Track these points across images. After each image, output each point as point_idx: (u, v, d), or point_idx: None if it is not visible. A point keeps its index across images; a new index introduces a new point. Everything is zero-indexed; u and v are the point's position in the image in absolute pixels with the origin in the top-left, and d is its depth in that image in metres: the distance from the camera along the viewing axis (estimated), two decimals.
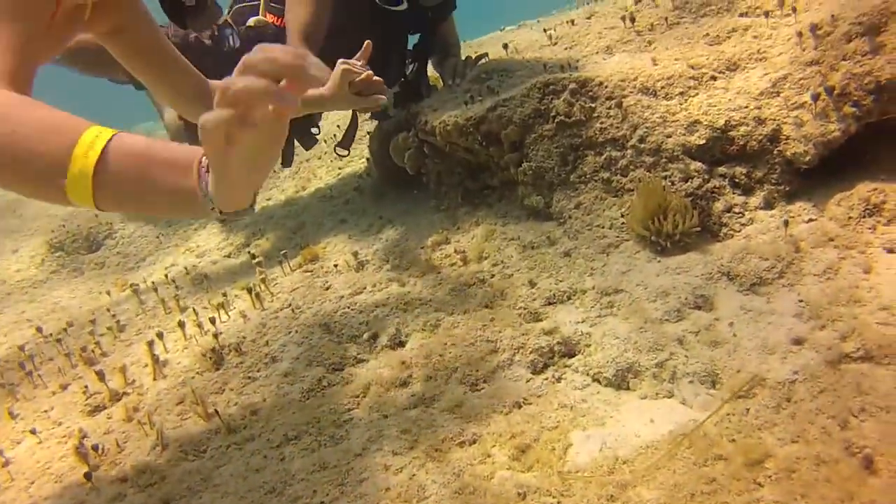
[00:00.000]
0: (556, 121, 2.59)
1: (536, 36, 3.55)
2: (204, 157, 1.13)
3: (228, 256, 3.74)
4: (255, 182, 1.18)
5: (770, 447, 1.40)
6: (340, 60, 2.37)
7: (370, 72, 2.38)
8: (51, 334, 3.30)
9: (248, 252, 3.50)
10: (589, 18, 3.46)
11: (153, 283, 3.50)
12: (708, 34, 2.81)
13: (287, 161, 3.88)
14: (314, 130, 3.77)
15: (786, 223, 2.14)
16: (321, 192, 4.08)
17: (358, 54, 2.40)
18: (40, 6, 1.49)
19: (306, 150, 4.00)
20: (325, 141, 4.71)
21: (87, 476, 1.96)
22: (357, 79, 2.36)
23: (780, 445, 1.40)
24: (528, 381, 1.87)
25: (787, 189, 2.30)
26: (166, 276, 3.61)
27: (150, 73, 2.09)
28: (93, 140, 1.11)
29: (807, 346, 1.68)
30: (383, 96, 2.45)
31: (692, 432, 1.50)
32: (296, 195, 4.29)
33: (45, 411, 2.54)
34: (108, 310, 3.31)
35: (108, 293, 3.67)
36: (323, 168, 4.52)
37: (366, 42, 2.40)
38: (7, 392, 2.76)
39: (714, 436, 1.48)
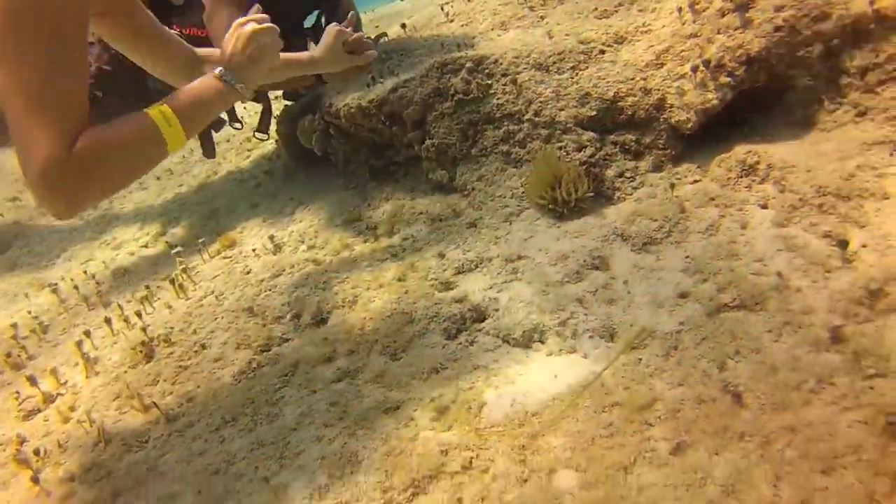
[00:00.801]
0: (454, 98, 2.70)
1: (434, 12, 3.62)
2: (218, 69, 1.84)
3: (146, 247, 3.71)
4: (263, 70, 1.97)
5: (659, 392, 1.57)
6: (332, 24, 2.61)
7: (360, 33, 2.67)
8: None
9: (166, 242, 3.49)
10: None
11: (72, 280, 3.45)
12: (597, 8, 2.97)
13: (210, 152, 3.85)
14: (237, 125, 3.77)
15: (672, 185, 2.33)
16: (233, 176, 4.08)
17: (345, 22, 2.68)
18: None
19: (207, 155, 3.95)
20: (236, 127, 4.69)
21: (34, 480, 1.99)
22: (350, 38, 2.59)
23: (668, 389, 1.58)
24: (443, 346, 2.00)
25: (673, 153, 2.48)
26: (85, 272, 3.56)
27: (142, 52, 2.15)
28: (159, 111, 1.65)
29: (691, 298, 1.86)
30: (374, 52, 2.66)
31: (591, 383, 1.65)
32: (207, 180, 4.27)
33: None
34: (29, 312, 3.26)
35: (27, 295, 3.59)
36: (232, 151, 4.51)
37: (350, 13, 2.78)
38: None
39: (611, 385, 1.64)
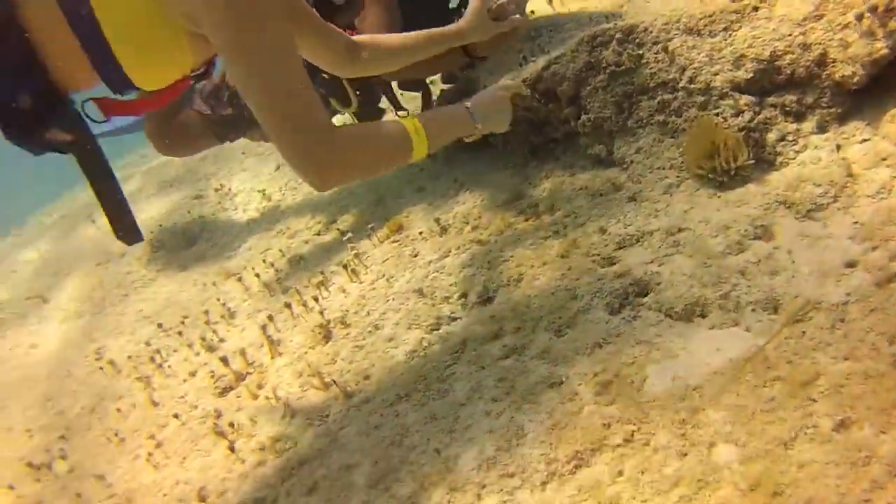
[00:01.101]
0: (607, 71, 2.72)
1: None
2: (469, 104, 2.24)
3: (318, 234, 4.00)
4: (499, 123, 2.43)
5: (823, 366, 1.58)
6: None
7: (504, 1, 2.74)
8: (171, 328, 3.67)
9: (337, 229, 3.77)
10: None
11: (254, 269, 3.82)
12: None
13: None
14: (402, 113, 3.95)
15: (838, 147, 2.25)
16: None
17: None
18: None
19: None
20: (390, 111, 4.90)
21: (231, 448, 2.31)
22: (494, 5, 2.68)
23: (832, 364, 1.58)
24: (606, 322, 2.08)
25: (840, 111, 2.38)
26: (264, 260, 3.93)
27: (310, 43, 2.35)
28: (412, 124, 1.99)
29: (859, 267, 1.82)
30: (520, 17, 2.76)
31: (753, 357, 1.69)
32: None
33: (182, 397, 2.92)
34: (218, 299, 3.66)
35: (214, 283, 4.02)
36: None
37: None
38: (145, 384, 3.15)
39: (773, 359, 1.66)
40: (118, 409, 3.09)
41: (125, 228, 1.94)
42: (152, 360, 3.33)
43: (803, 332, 1.70)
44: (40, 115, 1.65)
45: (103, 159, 1.83)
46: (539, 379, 1.94)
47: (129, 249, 5.15)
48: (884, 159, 2.13)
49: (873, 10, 2.27)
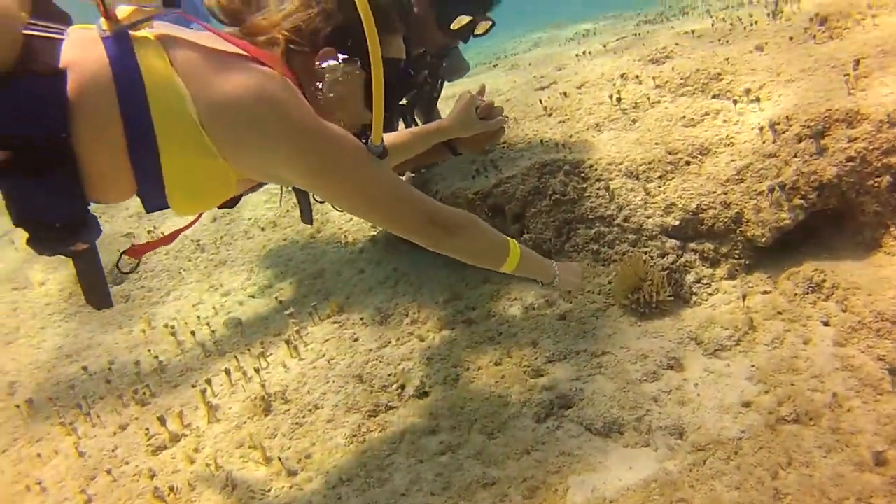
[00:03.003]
0: (552, 198, 3.05)
1: (532, 101, 3.95)
2: (557, 267, 2.45)
3: (253, 297, 4.13)
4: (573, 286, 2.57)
5: (718, 493, 1.86)
6: (465, 91, 2.91)
7: (491, 100, 2.93)
8: (95, 373, 3.67)
9: (276, 298, 3.91)
10: (579, 89, 3.91)
11: (186, 322, 3.89)
12: (684, 116, 3.27)
13: (308, 218, 4.19)
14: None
15: (743, 297, 2.60)
16: (336, 238, 4.48)
17: (478, 91, 2.99)
18: None
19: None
20: None
21: None
22: (482, 105, 2.87)
23: (726, 492, 1.86)
24: (533, 430, 2.32)
25: (748, 262, 2.76)
26: (198, 317, 4.01)
27: None
28: (517, 246, 2.24)
29: (753, 408, 2.14)
30: (504, 118, 2.96)
31: (661, 479, 1.95)
32: (311, 239, 4.69)
33: (111, 450, 2.93)
34: (149, 350, 3.71)
35: (143, 332, 4.06)
36: (335, 211, 4.92)
37: (482, 85, 3.06)
38: (68, 430, 3.15)
39: (678, 482, 1.93)
40: (38, 454, 3.07)
41: (97, 294, 2.04)
42: (78, 406, 3.33)
43: (704, 461, 1.98)
44: (71, 233, 1.71)
45: (97, 256, 1.95)
46: (474, 478, 2.15)
47: (48, 278, 5.09)
48: (779, 313, 2.49)
49: (782, 186, 2.67)
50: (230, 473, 2.49)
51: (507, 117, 3.12)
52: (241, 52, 1.77)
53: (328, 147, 1.82)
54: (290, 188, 3.78)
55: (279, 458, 2.47)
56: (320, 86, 1.95)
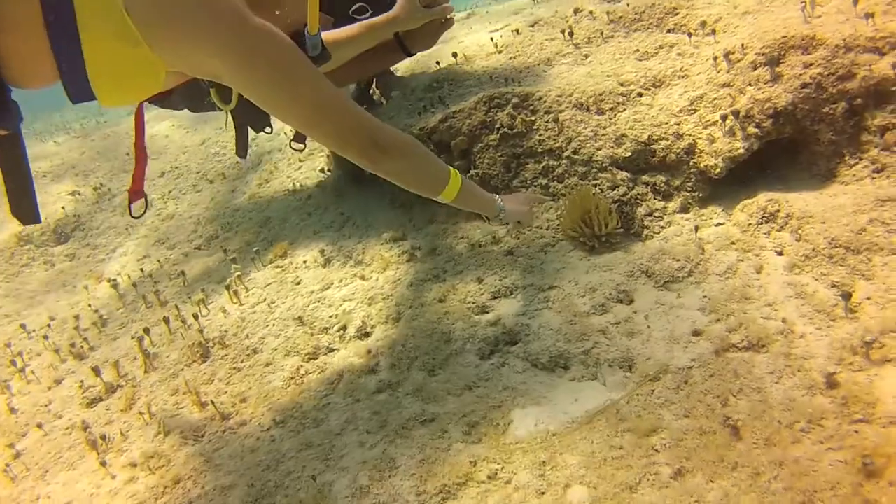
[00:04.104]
0: (500, 132, 2.91)
1: (484, 41, 3.82)
2: (500, 201, 2.36)
3: (199, 248, 3.97)
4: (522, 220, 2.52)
5: (667, 421, 1.77)
6: None
7: None
8: (34, 330, 3.52)
9: (221, 247, 3.75)
10: (532, 27, 3.77)
11: (129, 276, 3.74)
12: (638, 49, 3.15)
13: (242, 152, 4.01)
14: (267, 130, 3.93)
15: (696, 228, 2.51)
16: (284, 186, 4.33)
17: None
18: None
19: (256, 131, 4.08)
20: (285, 133, 4.94)
21: (102, 462, 2.25)
22: None
23: (674, 420, 1.77)
24: (476, 366, 2.21)
25: (701, 195, 2.66)
26: (142, 270, 3.85)
27: None
28: (456, 175, 2.12)
29: (703, 337, 2.05)
30: (450, 5, 2.85)
31: (607, 409, 1.85)
32: (259, 189, 4.52)
33: (45, 405, 2.80)
34: (90, 305, 3.55)
35: (86, 287, 3.89)
36: (284, 161, 4.75)
37: None
38: (2, 388, 3.01)
39: (625, 413, 1.84)
40: None
41: (24, 208, 1.86)
42: (12, 363, 3.18)
43: (652, 391, 1.89)
44: None
45: (23, 149, 1.80)
46: (412, 415, 2.04)
47: None
48: (732, 243, 2.40)
49: (736, 114, 2.57)
50: (163, 420, 2.36)
51: (451, 6, 3.01)
52: None
53: (257, 41, 1.71)
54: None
55: (212, 402, 2.33)
56: None
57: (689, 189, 2.67)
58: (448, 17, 2.98)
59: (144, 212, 2.22)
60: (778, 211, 2.42)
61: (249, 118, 3.62)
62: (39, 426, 2.61)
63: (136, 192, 2.21)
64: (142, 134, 2.22)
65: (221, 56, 1.70)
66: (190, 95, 3.68)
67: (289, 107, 1.85)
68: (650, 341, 2.10)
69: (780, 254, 2.31)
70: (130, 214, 2.16)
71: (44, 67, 1.58)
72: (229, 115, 3.52)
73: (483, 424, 1.94)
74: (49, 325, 3.51)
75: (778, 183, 2.60)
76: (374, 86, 3.84)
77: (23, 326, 3.55)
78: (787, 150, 2.64)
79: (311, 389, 2.30)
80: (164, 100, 2.14)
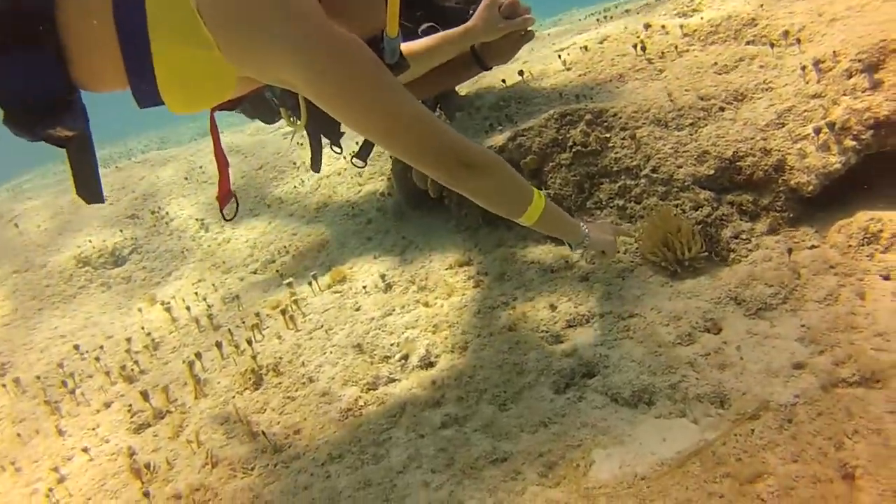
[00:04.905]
0: (572, 150, 2.76)
1: (551, 59, 3.69)
2: (585, 227, 2.23)
3: (255, 273, 3.91)
4: (604, 248, 2.31)
5: (772, 466, 1.57)
6: None
7: None
8: (87, 351, 3.48)
9: (276, 271, 3.67)
10: (601, 44, 3.62)
11: (183, 299, 3.68)
12: (716, 63, 2.96)
13: (317, 166, 3.92)
14: (336, 150, 3.85)
15: (789, 251, 2.30)
16: (343, 210, 4.25)
17: None
18: None
19: (332, 143, 3.93)
20: (344, 157, 4.87)
21: (146, 493, 2.14)
22: (506, 2, 2.68)
23: (781, 464, 1.57)
24: (551, 400, 2.04)
25: (791, 215, 2.45)
26: (196, 293, 3.79)
27: None
28: (539, 196, 2.02)
29: (807, 370, 1.84)
30: (532, 17, 2.74)
31: (701, 451, 1.66)
32: (317, 213, 4.46)
33: (92, 429, 2.73)
34: (143, 328, 3.50)
35: (140, 310, 3.86)
36: (343, 185, 4.68)
37: None
38: (51, 409, 2.96)
39: (722, 454, 1.64)
40: (18, 435, 2.88)
41: (89, 189, 1.83)
42: (64, 384, 3.13)
43: (752, 431, 1.69)
44: (51, 112, 1.55)
45: (91, 145, 1.75)
46: (481, 453, 1.87)
47: (50, 261, 4.94)
48: (831, 267, 2.19)
49: (831, 126, 2.36)
50: (211, 450, 2.24)
51: (532, 17, 2.85)
52: None
53: (335, 48, 1.64)
54: (303, 134, 3.55)
55: (263, 433, 2.21)
56: None
57: (778, 209, 2.47)
58: (528, 29, 2.85)
59: (236, 213, 2.18)
60: (881, 231, 2.20)
61: (323, 128, 3.55)
62: (85, 450, 2.53)
63: (225, 195, 2.17)
64: (218, 141, 2.15)
65: (296, 63, 1.63)
66: (261, 106, 3.65)
67: (366, 118, 1.76)
68: (744, 374, 1.90)
69: (887, 278, 2.08)
70: (223, 217, 2.13)
71: (113, 71, 1.56)
72: (303, 130, 3.46)
73: (561, 465, 1.76)
74: (101, 347, 3.47)
75: (878, 201, 2.37)
76: (437, 107, 3.73)
77: (76, 347, 3.52)
78: (890, 164, 2.41)
79: (371, 422, 2.15)
80: (233, 108, 2.07)
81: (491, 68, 3.07)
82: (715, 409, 1.83)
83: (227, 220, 2.22)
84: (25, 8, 1.44)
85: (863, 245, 2.22)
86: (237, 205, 2.21)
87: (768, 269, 2.27)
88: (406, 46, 2.58)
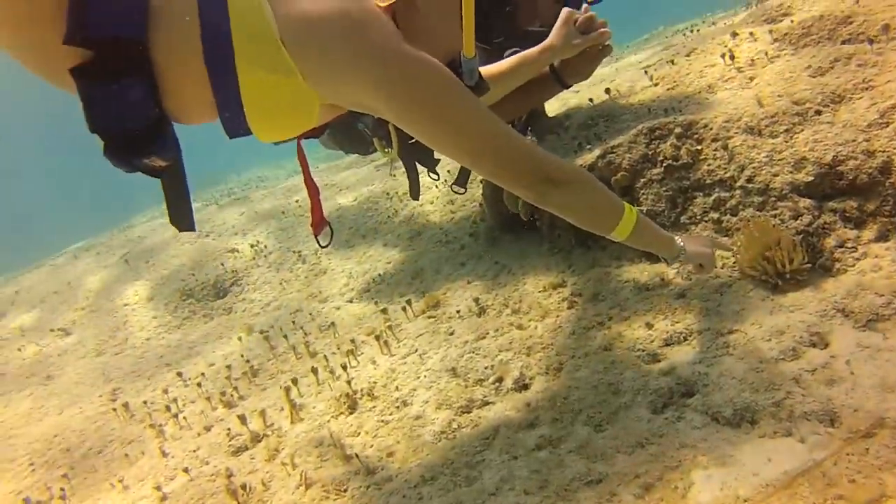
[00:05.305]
0: (664, 165, 2.70)
1: (637, 76, 3.65)
2: (681, 241, 2.19)
3: (351, 301, 3.98)
4: (703, 260, 2.24)
5: (892, 488, 1.47)
6: (564, 9, 2.72)
7: (592, 13, 2.73)
8: (190, 378, 3.64)
9: (373, 300, 3.74)
10: (688, 56, 3.54)
11: (281, 328, 3.80)
12: (810, 66, 2.85)
13: (415, 194, 3.95)
14: (433, 176, 3.86)
15: None
16: (436, 237, 4.28)
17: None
18: None
19: (429, 170, 3.94)
20: (437, 186, 4.93)
21: None
22: (581, 17, 2.70)
23: None
24: (649, 421, 1.97)
25: None
26: (293, 322, 3.90)
27: None
28: (631, 210, 1.99)
29: None
30: (608, 30, 2.75)
31: (810, 472, 1.57)
32: (411, 241, 4.51)
33: (193, 451, 2.84)
34: (242, 355, 3.63)
35: (240, 339, 4.00)
36: (436, 213, 4.73)
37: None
38: (157, 432, 3.10)
39: (833, 475, 1.55)
40: (126, 455, 3.03)
41: (182, 218, 1.92)
42: (168, 408, 3.28)
43: (866, 450, 1.59)
44: (146, 143, 1.64)
45: (183, 173, 1.84)
46: (576, 475, 1.83)
47: (158, 293, 5.20)
48: None
49: None
50: (306, 472, 2.29)
51: (609, 31, 2.82)
52: None
53: (416, 72, 1.68)
54: (397, 164, 3.63)
55: (356, 456, 2.24)
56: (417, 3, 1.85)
57: (886, 213, 2.33)
58: (606, 43, 2.82)
59: (331, 239, 2.27)
60: None
61: (417, 155, 3.60)
62: (186, 471, 2.63)
63: (318, 222, 2.24)
64: (307, 168, 2.22)
65: (378, 88, 1.68)
66: (355, 138, 3.75)
67: (451, 139, 1.79)
68: (856, 390, 1.79)
69: None
70: (319, 244, 2.23)
71: (203, 102, 1.64)
72: (397, 158, 3.54)
73: (658, 487, 1.70)
74: (203, 374, 3.61)
75: None
76: (528, 129, 3.72)
77: (180, 374, 3.68)
78: None
79: (464, 445, 2.15)
80: (320, 136, 2.15)
81: (571, 86, 3.05)
82: (824, 428, 1.73)
83: (323, 247, 2.29)
84: (121, 42, 1.52)
85: None
86: (332, 232, 2.27)
87: (878, 277, 2.15)
88: (486, 69, 2.60)
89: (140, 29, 1.52)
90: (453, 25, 1.91)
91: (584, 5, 2.87)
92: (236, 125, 1.70)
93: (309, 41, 1.63)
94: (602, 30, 2.71)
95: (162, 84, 1.59)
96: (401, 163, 3.63)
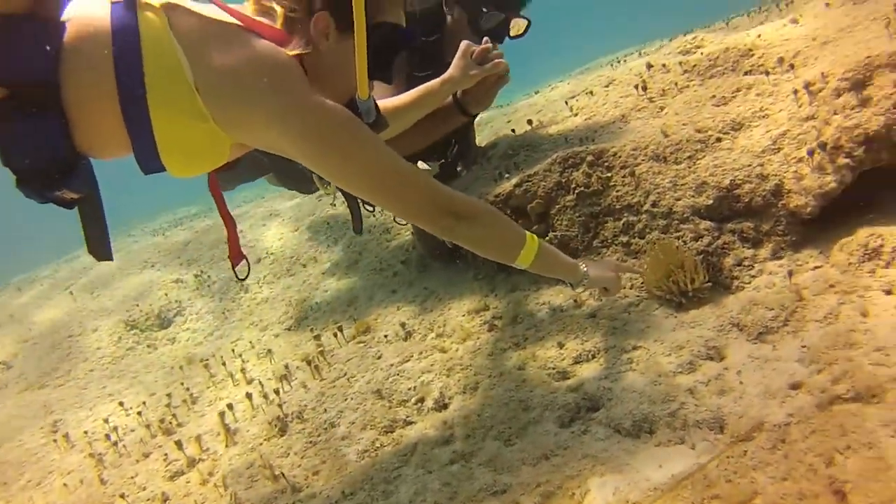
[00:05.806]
0: (576, 192, 2.82)
1: (560, 107, 3.79)
2: (584, 267, 2.26)
3: (289, 329, 4.02)
4: (605, 285, 2.37)
5: (761, 485, 1.57)
6: (462, 42, 2.86)
7: (488, 45, 2.85)
8: (132, 408, 3.63)
9: (309, 328, 3.78)
10: (607, 87, 3.70)
11: (221, 357, 3.82)
12: (714, 95, 3.01)
13: (358, 227, 4.00)
14: (369, 208, 3.92)
15: (790, 273, 2.31)
16: (371, 265, 4.34)
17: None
18: None
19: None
20: (374, 215, 5.00)
21: None
22: (477, 49, 2.82)
23: (770, 483, 1.57)
24: (555, 434, 2.06)
25: (794, 239, 2.46)
26: (233, 350, 3.93)
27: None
28: (532, 239, 2.08)
29: (803, 389, 1.84)
30: (503, 61, 2.87)
31: (693, 474, 1.67)
32: (348, 270, 4.57)
33: (132, 477, 2.84)
34: (182, 383, 3.64)
35: (181, 368, 4.01)
36: (373, 241, 4.80)
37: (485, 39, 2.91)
38: (96, 461, 3.09)
39: (713, 477, 1.65)
40: (64, 485, 3.01)
41: (99, 249, 1.95)
42: (107, 437, 3.27)
43: (745, 452, 1.69)
44: (58, 176, 1.69)
45: (100, 205, 1.88)
46: (483, 486, 1.91)
47: (101, 325, 5.15)
48: (832, 286, 2.19)
49: (823, 146, 2.39)
50: (236, 493, 2.34)
51: (504, 61, 2.95)
52: (241, 24, 1.81)
53: (318, 116, 1.78)
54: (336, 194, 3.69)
55: (283, 475, 2.29)
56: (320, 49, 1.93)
57: (779, 233, 2.48)
58: (504, 73, 2.95)
59: (248, 273, 2.33)
60: (882, 246, 2.20)
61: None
62: (123, 496, 2.64)
63: (236, 256, 2.31)
64: (222, 203, 2.31)
65: (286, 133, 1.77)
66: (296, 177, 3.80)
67: (355, 178, 1.89)
68: (743, 398, 1.91)
69: (889, 292, 2.08)
70: (237, 277, 2.28)
71: (117, 140, 1.71)
72: (334, 193, 3.62)
73: (558, 495, 1.79)
74: (144, 404, 3.61)
75: (879, 216, 2.37)
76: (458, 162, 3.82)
77: (121, 404, 3.67)
78: (887, 179, 2.41)
79: (385, 462, 2.22)
80: (230, 170, 2.22)
81: (474, 115, 3.18)
82: (713, 435, 1.84)
83: (240, 280, 2.34)
84: (31, 80, 1.59)
85: (864, 261, 2.22)
86: (248, 266, 2.33)
87: (770, 293, 2.28)
88: (388, 102, 2.70)
89: (49, 71, 1.59)
90: (351, 69, 1.98)
91: (487, 42, 2.97)
92: (150, 162, 1.77)
93: (222, 90, 1.72)
94: (496, 60, 2.83)
95: (75, 121, 1.65)
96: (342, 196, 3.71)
